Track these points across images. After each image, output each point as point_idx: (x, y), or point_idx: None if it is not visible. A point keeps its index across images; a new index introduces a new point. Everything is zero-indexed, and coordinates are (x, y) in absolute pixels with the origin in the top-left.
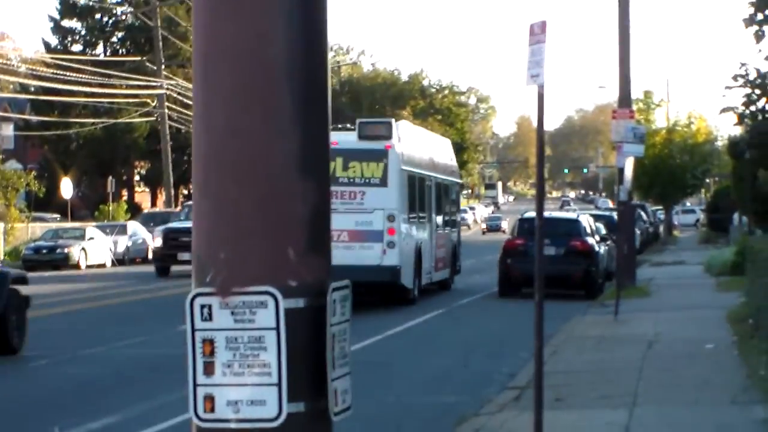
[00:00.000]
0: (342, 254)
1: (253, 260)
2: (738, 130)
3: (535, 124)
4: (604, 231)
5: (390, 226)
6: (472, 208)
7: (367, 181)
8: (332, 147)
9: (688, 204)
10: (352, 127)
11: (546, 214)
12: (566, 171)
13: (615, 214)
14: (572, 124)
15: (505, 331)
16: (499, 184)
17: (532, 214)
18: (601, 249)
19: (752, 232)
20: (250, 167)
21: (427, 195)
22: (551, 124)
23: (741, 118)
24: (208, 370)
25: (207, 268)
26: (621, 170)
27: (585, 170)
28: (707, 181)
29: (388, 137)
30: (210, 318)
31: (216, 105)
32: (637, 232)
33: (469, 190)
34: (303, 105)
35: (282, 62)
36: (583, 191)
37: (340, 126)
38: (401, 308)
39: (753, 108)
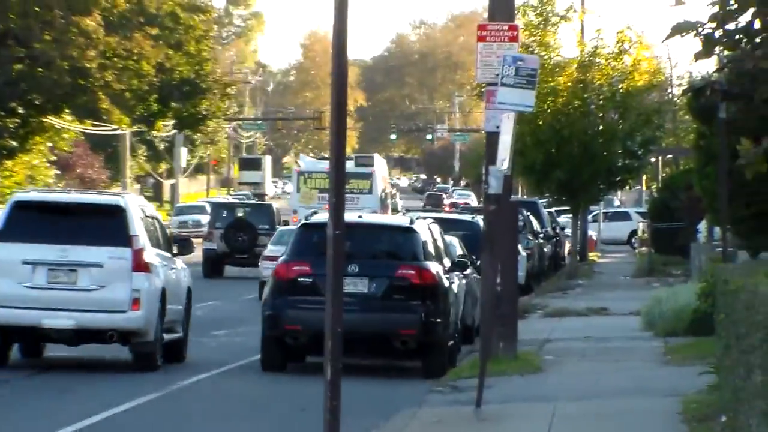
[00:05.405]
0: None
1: None
2: (704, 68)
3: (332, 45)
4: (460, 250)
5: None
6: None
7: (360, 191)
8: None
9: (618, 203)
10: (351, 157)
11: (351, 217)
12: (394, 137)
13: (481, 220)
14: (407, 51)
15: None
16: (268, 161)
17: (324, 216)
18: (455, 284)
19: (728, 256)
20: None
21: (387, 199)
22: (368, 50)
23: (709, 44)
24: None
25: None
26: (492, 137)
27: (430, 137)
28: (652, 161)
29: (372, 165)
30: None
31: None
32: (523, 252)
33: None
34: None
35: None
36: (424, 176)
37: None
38: (82, 398)
39: (731, 26)
